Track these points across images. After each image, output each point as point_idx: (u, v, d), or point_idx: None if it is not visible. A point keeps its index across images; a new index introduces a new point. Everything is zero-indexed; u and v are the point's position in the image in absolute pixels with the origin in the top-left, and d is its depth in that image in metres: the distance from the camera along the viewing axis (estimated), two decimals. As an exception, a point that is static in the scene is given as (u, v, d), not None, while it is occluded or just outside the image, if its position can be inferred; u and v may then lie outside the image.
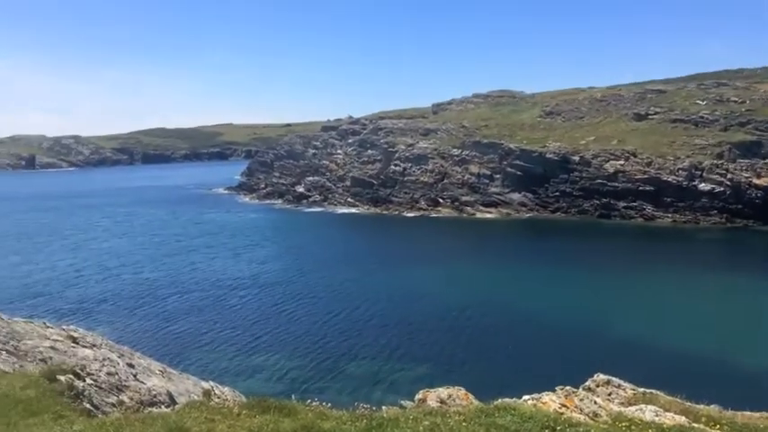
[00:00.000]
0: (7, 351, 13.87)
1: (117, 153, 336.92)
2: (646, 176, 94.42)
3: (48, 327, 17.11)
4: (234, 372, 36.14)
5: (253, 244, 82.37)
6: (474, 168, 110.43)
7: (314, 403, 11.21)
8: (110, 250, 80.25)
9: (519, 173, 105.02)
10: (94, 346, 15.76)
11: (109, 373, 13.01)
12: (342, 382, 34.57)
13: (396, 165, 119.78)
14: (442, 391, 11.49)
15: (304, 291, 56.19)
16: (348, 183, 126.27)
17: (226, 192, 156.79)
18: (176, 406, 12.46)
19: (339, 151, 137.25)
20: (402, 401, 11.71)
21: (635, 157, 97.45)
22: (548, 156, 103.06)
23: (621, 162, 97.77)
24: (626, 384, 12.65)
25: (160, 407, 12.63)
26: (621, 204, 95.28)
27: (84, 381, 12.10)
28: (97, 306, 52.75)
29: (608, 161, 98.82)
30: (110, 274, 65.24)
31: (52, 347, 14.65)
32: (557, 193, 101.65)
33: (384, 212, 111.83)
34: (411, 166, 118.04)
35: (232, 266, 68.08)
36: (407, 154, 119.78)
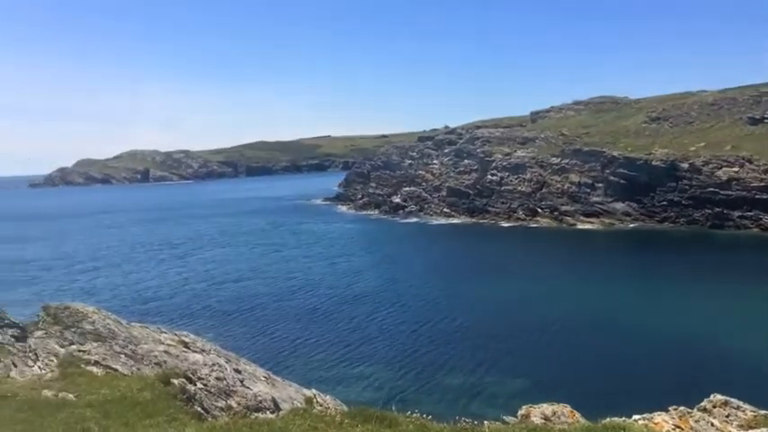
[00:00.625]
0: (126, 354, 14.76)
1: (222, 166, 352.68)
2: (763, 184, 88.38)
3: (162, 332, 18.06)
4: (331, 380, 36.68)
5: (348, 254, 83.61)
6: (574, 177, 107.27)
7: (414, 415, 11.15)
8: (214, 259, 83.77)
9: (622, 181, 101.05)
10: (204, 351, 16.49)
11: (218, 378, 13.55)
12: (439, 393, 34.30)
13: (492, 174, 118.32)
14: (546, 408, 11.13)
15: (397, 300, 56.37)
16: (444, 193, 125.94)
17: (324, 202, 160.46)
18: (280, 412, 12.78)
19: (435, 161, 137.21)
20: (504, 417, 11.44)
21: (750, 163, 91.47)
22: (654, 163, 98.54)
23: (736, 169, 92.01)
24: (745, 406, 11.79)
25: (265, 413, 13.00)
26: (736, 214, 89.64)
27: (196, 385, 12.66)
28: (202, 312, 55.15)
29: (720, 168, 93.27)
30: (213, 282, 68.11)
31: (166, 352, 15.45)
32: (664, 203, 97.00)
33: (480, 222, 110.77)
34: (508, 176, 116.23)
35: (328, 275, 69.33)
36: (504, 163, 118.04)
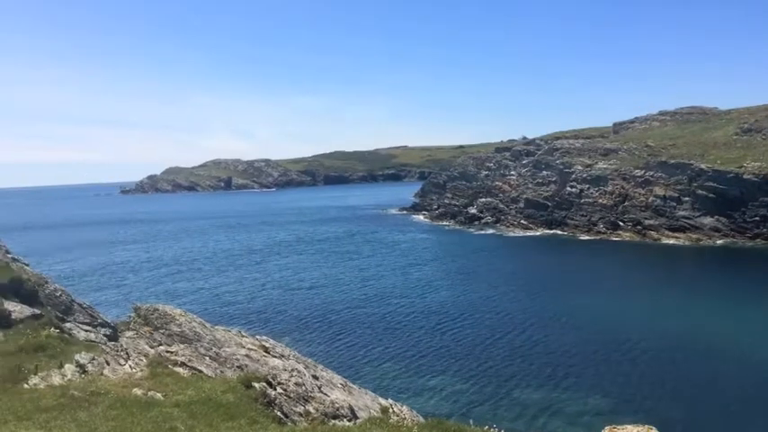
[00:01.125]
0: (210, 357, 15.26)
1: (301, 175, 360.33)
2: None
3: (243, 336, 18.57)
4: (406, 389, 36.62)
5: (422, 263, 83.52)
6: (659, 190, 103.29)
7: (492, 430, 10.99)
8: (289, 266, 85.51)
9: (711, 195, 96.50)
10: (283, 356, 16.83)
11: (297, 384, 13.79)
12: (517, 409, 33.61)
13: (572, 186, 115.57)
14: (632, 429, 10.73)
15: (470, 311, 55.78)
16: (521, 204, 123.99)
17: (399, 212, 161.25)
18: (357, 420, 12.89)
19: (513, 172, 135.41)
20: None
21: None
22: (746, 177, 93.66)
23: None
24: None
25: (342, 420, 13.13)
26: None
27: (276, 389, 12.95)
28: (276, 316, 56.34)
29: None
30: (288, 288, 69.61)
31: (247, 356, 15.87)
32: (756, 218, 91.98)
33: (558, 235, 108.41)
34: (589, 188, 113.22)
35: (400, 285, 69.42)
36: (585, 175, 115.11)
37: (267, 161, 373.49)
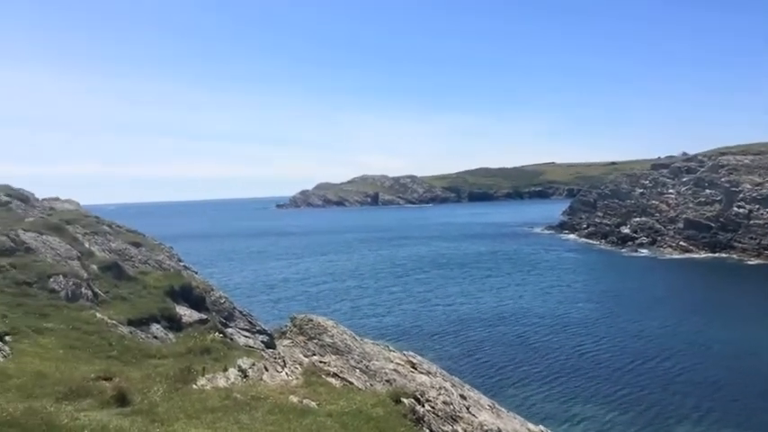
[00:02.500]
0: (360, 369, 15.71)
1: (446, 191, 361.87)
2: None
3: (390, 350, 18.94)
4: (552, 415, 35.37)
5: (565, 284, 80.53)
6: None
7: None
8: (429, 281, 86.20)
9: None
10: (430, 373, 16.95)
11: (445, 402, 13.83)
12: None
13: (739, 206, 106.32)
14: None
15: (616, 335, 52.94)
16: (680, 225, 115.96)
17: (546, 231, 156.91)
18: (505, 445, 12.68)
19: (671, 191, 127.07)
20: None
21: None
22: None
23: None
24: None
25: (491, 443, 12.98)
26: None
27: (424, 406, 13.05)
28: (413, 330, 56.87)
29: None
30: (427, 303, 70.39)
31: (395, 370, 16.17)
32: None
33: (722, 258, 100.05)
34: (759, 208, 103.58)
35: (540, 304, 67.36)
36: (755, 194, 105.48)
37: (413, 177, 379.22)
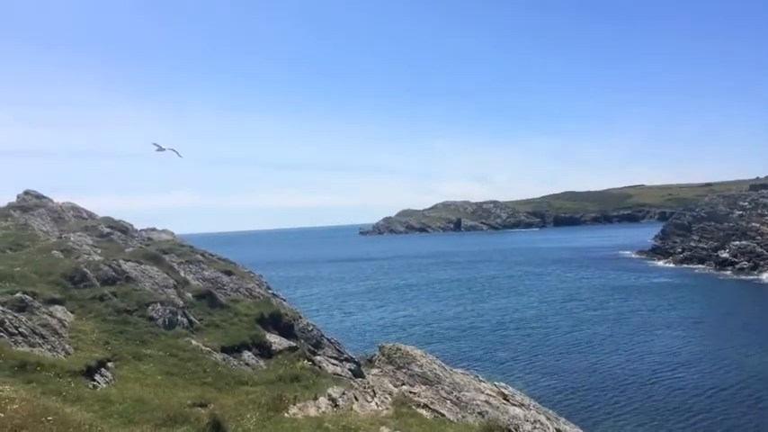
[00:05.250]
0: (451, 401, 15.41)
1: (530, 216, 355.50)
2: None
3: (480, 380, 18.53)
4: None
5: (660, 311, 76.81)
6: None
7: None
8: (507, 306, 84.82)
9: None
10: (523, 405, 16.43)
11: (540, 437, 13.34)
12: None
13: None
14: None
15: (714, 368, 49.77)
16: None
17: (636, 255, 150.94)
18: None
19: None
20: None
21: None
22: None
23: None
24: None
25: (591, 482, 12.36)
26: None
27: (519, 441, 12.62)
28: (494, 357, 55.58)
29: None
30: (502, 327, 69.27)
31: (487, 402, 15.76)
32: None
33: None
34: None
35: (639, 333, 64.37)
36: None
37: (495, 202, 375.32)
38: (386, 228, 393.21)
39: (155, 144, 32.23)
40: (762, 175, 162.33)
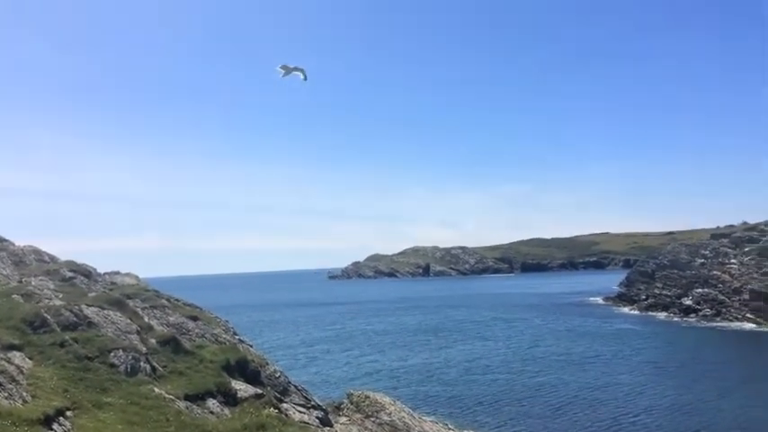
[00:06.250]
0: (419, 450, 15.30)
1: (498, 262, 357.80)
2: None
3: (449, 428, 18.44)
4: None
5: (624, 357, 77.49)
6: None
7: None
8: (475, 351, 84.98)
9: None
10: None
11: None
12: None
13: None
14: None
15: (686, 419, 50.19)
16: (746, 296, 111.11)
17: (603, 302, 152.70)
18: None
19: (733, 261, 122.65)
20: None
21: None
22: None
23: None
24: None
25: None
26: None
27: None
28: (460, 400, 55.31)
29: None
30: (469, 372, 69.41)
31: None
32: None
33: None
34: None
35: (599, 378, 64.74)
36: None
37: (464, 248, 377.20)
38: (354, 272, 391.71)
39: (281, 68, 30.21)
40: (721, 225, 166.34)
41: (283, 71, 30.44)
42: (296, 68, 30.35)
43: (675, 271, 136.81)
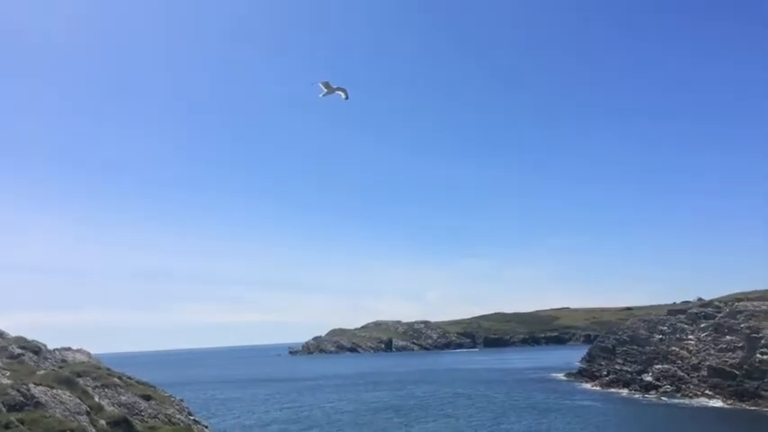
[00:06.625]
0: None
1: (460, 337, 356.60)
2: None
3: None
4: None
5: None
6: None
7: None
8: (435, 429, 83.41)
9: None
10: None
11: None
12: None
13: (763, 353, 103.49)
14: None
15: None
16: (704, 372, 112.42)
17: (564, 378, 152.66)
18: None
19: (690, 337, 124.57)
20: None
21: None
22: None
23: None
24: None
25: None
26: None
27: None
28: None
29: None
30: None
31: None
32: None
33: (750, 411, 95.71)
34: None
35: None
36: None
37: (426, 323, 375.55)
38: (316, 347, 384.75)
39: (323, 85, 28.54)
40: (678, 301, 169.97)
41: (325, 89, 29.54)
42: (339, 88, 29.42)
43: (635, 347, 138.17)
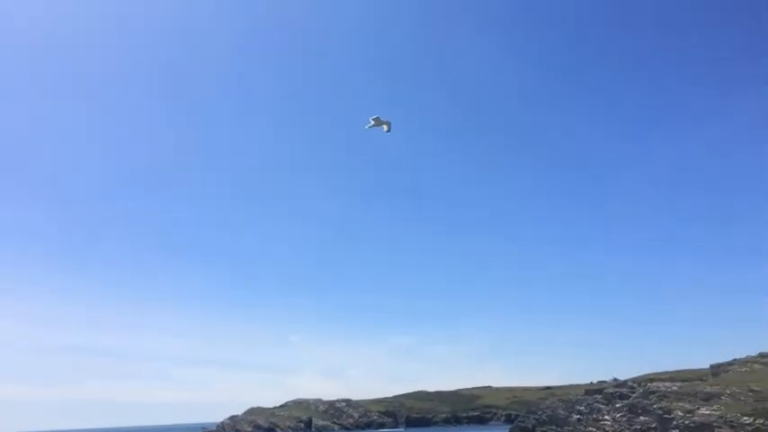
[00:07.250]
0: None
1: (383, 416, 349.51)
2: None
3: None
4: None
5: None
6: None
7: None
8: None
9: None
10: None
11: None
12: None
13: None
14: None
15: None
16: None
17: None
18: None
19: (606, 417, 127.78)
20: None
21: None
22: None
23: None
24: None
25: None
26: None
27: None
28: None
29: None
30: None
31: None
32: None
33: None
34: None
35: None
36: (687, 422, 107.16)
37: (348, 401, 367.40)
38: (231, 427, 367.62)
39: (373, 120, 28.19)
40: (595, 380, 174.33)
41: (373, 122, 30.49)
42: (385, 122, 30.65)
43: (554, 427, 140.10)
